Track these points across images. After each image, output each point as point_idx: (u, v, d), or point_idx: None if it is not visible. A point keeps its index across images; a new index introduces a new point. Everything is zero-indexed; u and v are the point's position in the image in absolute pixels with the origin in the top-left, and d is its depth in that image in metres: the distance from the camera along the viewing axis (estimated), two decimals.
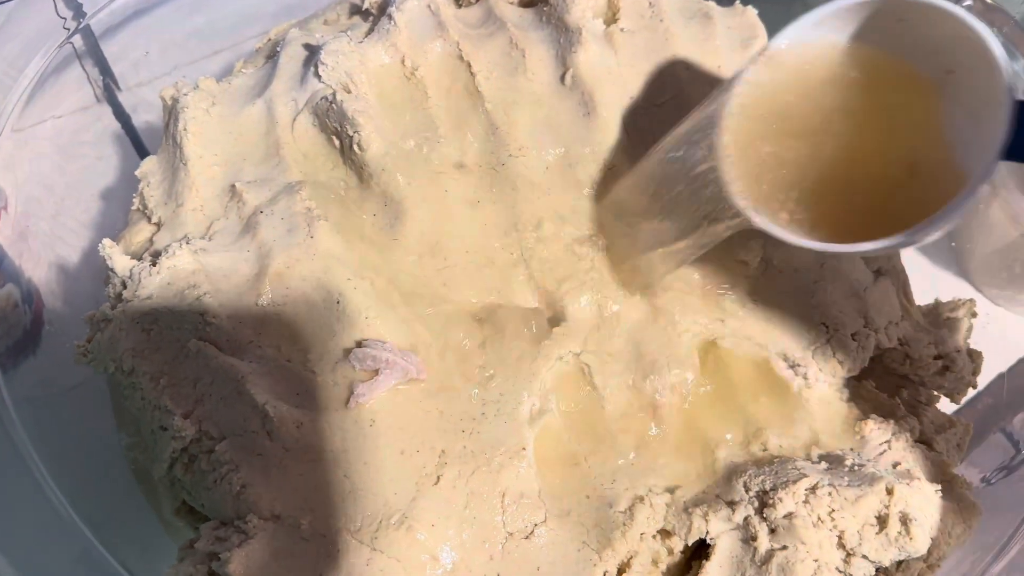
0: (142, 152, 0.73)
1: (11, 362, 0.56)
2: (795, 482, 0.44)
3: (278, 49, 0.58)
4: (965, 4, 0.65)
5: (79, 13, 0.66)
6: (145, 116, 0.74)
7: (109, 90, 0.74)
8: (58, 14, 0.65)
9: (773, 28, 0.63)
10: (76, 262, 0.65)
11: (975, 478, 0.54)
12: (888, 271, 0.53)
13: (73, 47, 0.68)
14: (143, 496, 0.51)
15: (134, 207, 0.56)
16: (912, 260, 0.64)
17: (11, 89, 0.64)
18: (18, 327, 0.58)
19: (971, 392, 0.54)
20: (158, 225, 0.53)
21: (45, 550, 0.44)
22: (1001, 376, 0.61)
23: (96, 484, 0.51)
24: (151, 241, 0.52)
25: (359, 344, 0.46)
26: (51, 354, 0.59)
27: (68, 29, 0.66)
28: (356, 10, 0.63)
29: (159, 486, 0.48)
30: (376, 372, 0.45)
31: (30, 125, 0.66)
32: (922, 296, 0.59)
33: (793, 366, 0.50)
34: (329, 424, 0.44)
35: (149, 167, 0.55)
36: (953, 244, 0.67)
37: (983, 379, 0.57)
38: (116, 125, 0.74)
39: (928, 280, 0.62)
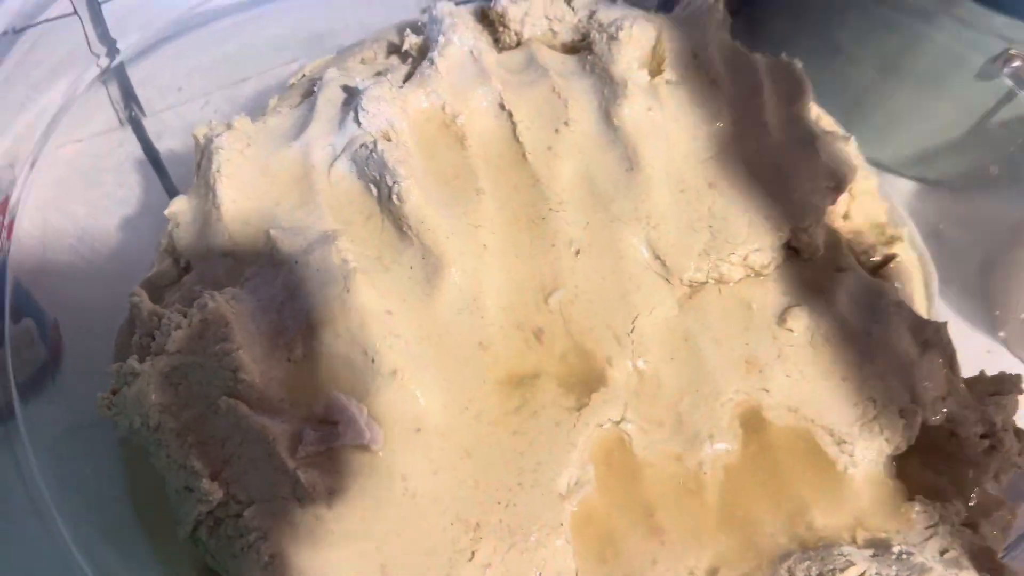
0: (165, 180, 0.71)
1: (28, 397, 0.54)
2: (843, 570, 0.42)
3: (315, 89, 0.57)
4: (1014, 65, 0.64)
5: (109, 42, 0.65)
6: (169, 143, 0.73)
7: (133, 116, 0.73)
8: (87, 42, 0.64)
9: (814, 79, 0.62)
10: (97, 295, 0.63)
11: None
12: (935, 343, 0.52)
13: (99, 70, 0.66)
14: (158, 555, 0.49)
15: (162, 247, 0.54)
16: (955, 328, 0.62)
17: (36, 113, 0.63)
18: (35, 362, 0.57)
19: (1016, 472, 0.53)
20: (187, 268, 0.51)
21: None
22: None
23: (109, 530, 0.50)
24: (180, 284, 0.51)
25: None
26: (68, 390, 0.57)
27: (96, 54, 0.65)
28: (394, 49, 0.62)
29: (179, 545, 0.46)
30: (335, 425, 0.44)
31: (53, 149, 0.64)
32: (966, 366, 0.57)
33: (839, 443, 0.48)
34: (362, 492, 0.43)
35: (179, 207, 0.53)
36: (997, 313, 0.65)
37: None
38: (139, 151, 0.72)
39: (972, 349, 0.60)
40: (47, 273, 0.61)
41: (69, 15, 0.63)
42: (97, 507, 0.52)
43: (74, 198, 0.67)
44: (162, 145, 0.73)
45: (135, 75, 0.70)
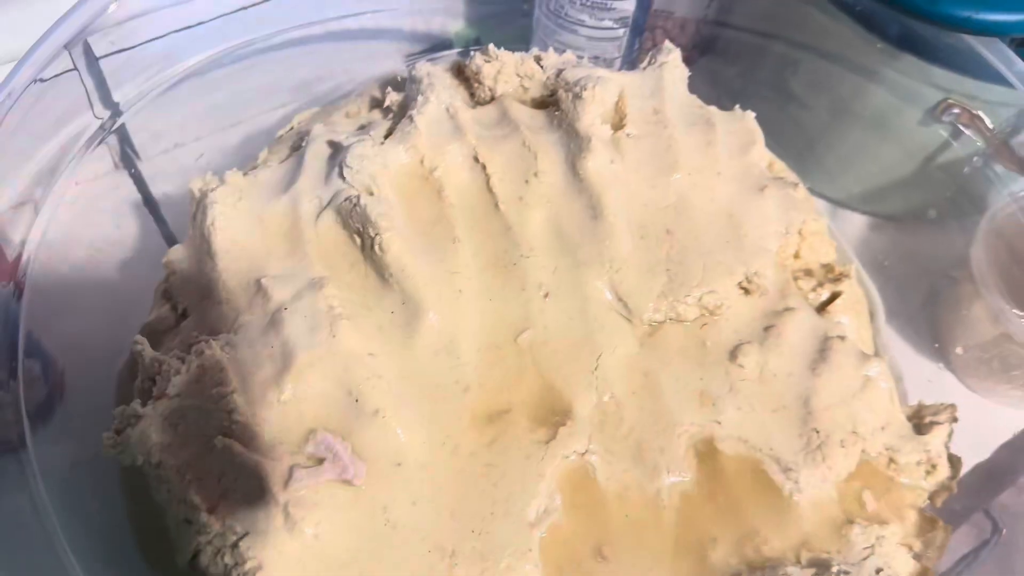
0: (160, 221, 0.75)
1: (33, 433, 0.57)
2: None
3: (303, 143, 0.61)
4: (952, 112, 0.69)
5: (116, 112, 0.69)
6: (163, 187, 0.77)
7: (128, 160, 0.77)
8: (95, 115, 0.68)
9: (768, 124, 0.67)
10: (96, 334, 0.67)
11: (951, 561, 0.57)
12: (876, 377, 0.56)
13: (94, 116, 0.70)
14: None
15: (160, 292, 0.58)
16: (900, 357, 0.67)
17: (36, 160, 0.66)
18: (37, 400, 0.60)
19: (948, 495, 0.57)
20: (184, 315, 0.55)
21: None
22: (978, 471, 0.63)
23: (114, 563, 0.53)
24: (177, 330, 0.55)
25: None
26: (69, 428, 0.61)
27: (99, 118, 0.69)
28: (376, 103, 0.67)
29: (179, 572, 0.50)
30: (321, 462, 0.48)
31: (51, 194, 0.68)
32: (910, 392, 0.62)
33: (785, 470, 0.53)
34: (347, 522, 0.46)
35: (176, 256, 0.57)
36: (936, 345, 0.70)
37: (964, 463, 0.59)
38: (135, 195, 0.76)
39: (915, 377, 0.65)
40: (48, 313, 0.64)
41: (69, 71, 0.67)
42: (101, 537, 0.55)
43: (73, 240, 0.71)
44: (156, 189, 0.77)
45: (130, 122, 0.74)
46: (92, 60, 0.68)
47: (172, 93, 0.75)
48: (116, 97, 0.70)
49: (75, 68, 0.67)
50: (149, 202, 0.77)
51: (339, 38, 0.83)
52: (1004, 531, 0.59)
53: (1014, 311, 0.66)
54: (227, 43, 0.73)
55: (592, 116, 0.60)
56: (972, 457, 0.60)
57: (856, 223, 0.80)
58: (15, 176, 0.65)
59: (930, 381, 0.68)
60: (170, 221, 0.75)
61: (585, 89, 0.60)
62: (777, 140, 0.70)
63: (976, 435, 0.61)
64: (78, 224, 0.72)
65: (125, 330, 0.63)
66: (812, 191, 0.70)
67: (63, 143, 0.68)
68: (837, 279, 0.64)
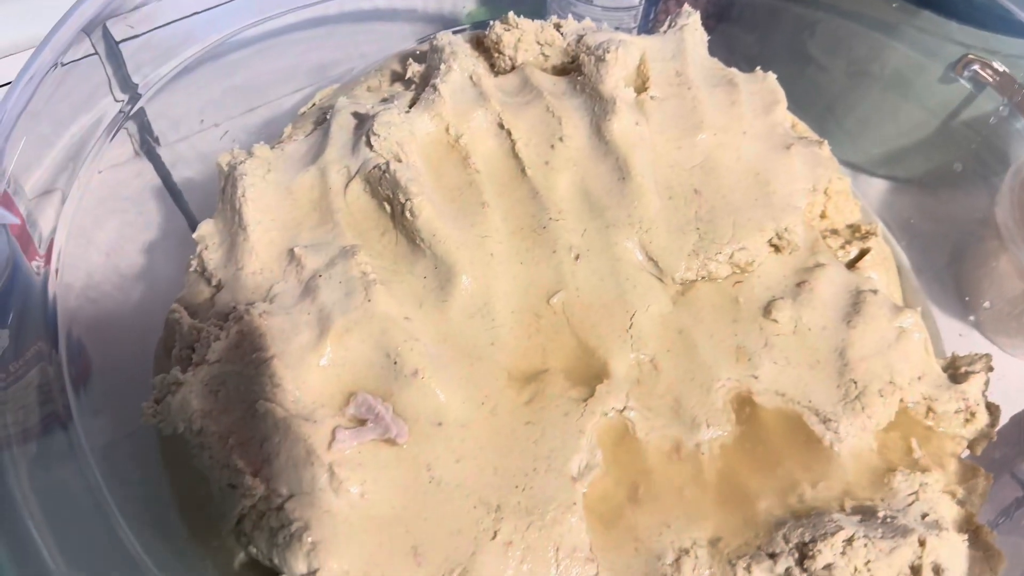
0: (183, 207, 0.75)
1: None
2: (832, 534, 0.46)
3: (327, 116, 0.61)
4: (971, 68, 0.69)
5: (127, 79, 0.69)
6: (185, 172, 0.77)
7: (149, 147, 0.77)
8: (114, 98, 0.68)
9: (787, 88, 0.67)
10: (123, 316, 0.67)
11: (989, 519, 0.56)
12: (910, 328, 0.56)
13: (115, 102, 0.70)
14: (203, 553, 0.52)
15: (192, 268, 0.58)
16: (925, 315, 0.67)
17: (60, 148, 0.66)
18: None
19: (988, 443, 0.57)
20: (218, 287, 0.55)
21: None
22: (1017, 419, 0.63)
23: (158, 533, 0.53)
24: (212, 302, 0.55)
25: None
26: (98, 408, 0.61)
27: (113, 91, 0.69)
28: (397, 77, 0.67)
29: (223, 540, 0.50)
30: (364, 423, 0.48)
31: (76, 181, 0.68)
32: (937, 349, 0.62)
33: (825, 421, 0.52)
34: (392, 481, 0.46)
35: (207, 230, 0.57)
36: (967, 299, 0.70)
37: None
38: (157, 180, 0.76)
39: (945, 333, 0.65)
40: (73, 295, 0.65)
41: (91, 55, 0.68)
42: (146, 509, 0.56)
43: (98, 225, 0.71)
44: (177, 174, 0.77)
45: (150, 109, 0.74)
46: (112, 44, 0.69)
47: (190, 77, 0.76)
48: (136, 80, 0.70)
49: (95, 52, 0.68)
50: (171, 187, 0.77)
51: (353, 19, 0.83)
52: None
53: None
54: (242, 24, 0.73)
55: (615, 78, 0.60)
56: (1007, 411, 0.60)
57: (877, 187, 0.80)
58: (41, 162, 0.65)
59: (961, 336, 0.68)
60: (192, 204, 0.76)
61: (608, 52, 0.60)
62: (796, 104, 0.70)
63: (1009, 397, 0.61)
64: (102, 211, 0.72)
65: (152, 310, 0.63)
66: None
67: (85, 128, 0.68)
68: (864, 237, 0.64)
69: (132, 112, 0.72)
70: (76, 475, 0.50)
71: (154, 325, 0.62)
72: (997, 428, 0.56)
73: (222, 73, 0.78)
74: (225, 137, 0.78)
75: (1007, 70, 0.68)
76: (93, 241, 0.70)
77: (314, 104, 0.68)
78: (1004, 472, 0.62)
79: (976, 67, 0.69)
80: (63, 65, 0.65)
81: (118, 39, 0.69)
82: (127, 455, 0.61)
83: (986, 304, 0.69)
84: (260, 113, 0.81)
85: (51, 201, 0.65)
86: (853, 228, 0.65)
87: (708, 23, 0.72)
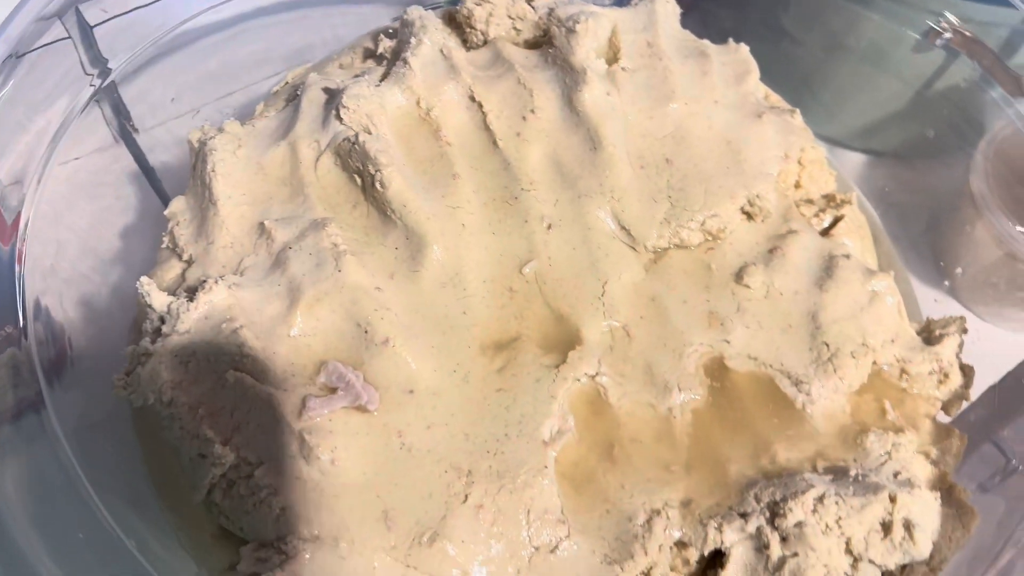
0: (160, 191, 0.75)
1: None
2: (803, 492, 0.46)
3: (298, 93, 0.61)
4: (945, 37, 0.69)
5: (101, 62, 0.69)
6: (162, 156, 0.77)
7: (126, 132, 0.77)
8: (81, 63, 0.68)
9: (762, 61, 0.67)
10: (101, 299, 0.67)
11: (971, 485, 0.56)
12: (883, 291, 0.56)
13: (92, 90, 0.70)
14: (175, 526, 0.52)
15: (164, 245, 0.58)
16: (901, 280, 0.67)
17: (35, 133, 0.66)
18: (45, 362, 0.60)
19: (964, 405, 0.57)
20: (189, 262, 0.55)
21: (102, 569, 0.46)
22: (992, 389, 0.63)
23: (136, 511, 0.53)
24: (183, 277, 0.55)
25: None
26: (78, 389, 0.61)
27: (90, 75, 0.69)
28: (370, 54, 0.67)
29: (195, 513, 0.50)
30: (335, 391, 0.48)
31: (53, 167, 0.68)
32: (913, 314, 0.62)
33: (797, 383, 0.53)
34: (363, 448, 0.46)
35: (178, 207, 0.57)
36: (941, 264, 0.70)
37: (975, 392, 0.59)
38: (134, 166, 0.76)
39: (920, 299, 0.65)
40: (52, 279, 0.65)
41: (64, 39, 0.68)
42: (121, 487, 0.55)
43: (76, 211, 0.71)
44: (155, 159, 0.77)
45: (126, 94, 0.74)
46: (85, 28, 0.68)
47: (166, 62, 0.76)
48: (111, 64, 0.70)
49: (68, 36, 0.68)
50: (148, 172, 0.77)
51: (328, 2, 0.83)
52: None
53: (1017, 228, 0.66)
54: (215, 4, 0.73)
55: (586, 50, 0.60)
56: (984, 378, 0.60)
57: (855, 161, 0.80)
58: (14, 148, 0.65)
59: (936, 302, 0.68)
60: (169, 190, 0.75)
61: (578, 23, 0.60)
62: (772, 79, 0.70)
63: (986, 364, 0.61)
64: (79, 196, 0.72)
65: (130, 293, 0.63)
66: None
67: (60, 113, 0.68)
68: (839, 205, 0.64)
69: (107, 97, 0.72)
70: (50, 456, 0.50)
71: (131, 307, 0.62)
72: (971, 388, 0.56)
73: (197, 58, 0.78)
74: (196, 121, 0.78)
75: (978, 37, 0.68)
76: (70, 226, 0.70)
77: (287, 83, 0.69)
78: (984, 441, 0.62)
79: (949, 35, 0.69)
80: (33, 51, 0.65)
81: (92, 23, 0.69)
82: (105, 435, 0.61)
83: (959, 271, 0.69)
84: (236, 98, 0.81)
85: (25, 187, 0.65)
86: (828, 198, 0.66)
87: (684, 1, 0.72)
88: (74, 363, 0.62)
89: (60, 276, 0.66)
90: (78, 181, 0.72)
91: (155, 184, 0.76)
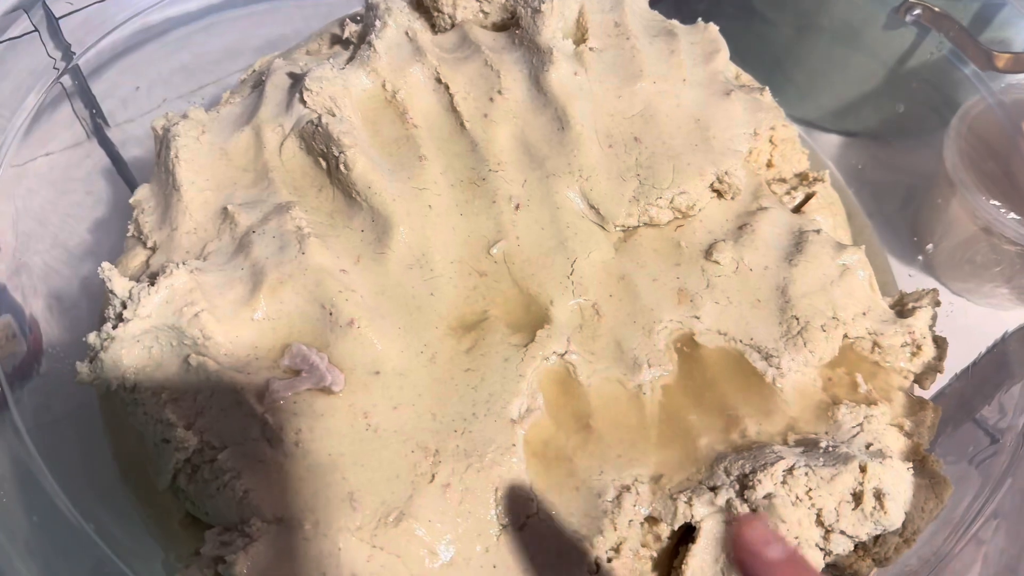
0: (132, 185, 0.75)
1: (12, 389, 0.57)
2: (773, 464, 0.46)
3: (263, 79, 0.61)
4: (915, 12, 0.69)
5: (68, 54, 0.68)
6: (134, 151, 0.77)
7: (98, 127, 0.76)
8: (48, 54, 0.67)
9: (734, 43, 0.67)
10: (72, 292, 0.67)
11: (963, 459, 0.56)
12: (854, 265, 0.56)
13: (62, 86, 0.70)
14: (144, 514, 0.52)
15: (129, 234, 0.58)
16: (877, 256, 0.67)
17: (4, 128, 0.66)
18: (16, 356, 0.60)
19: (940, 379, 0.57)
20: (153, 249, 0.55)
21: (65, 561, 0.46)
22: (968, 366, 0.63)
23: (101, 500, 0.53)
24: (147, 264, 0.54)
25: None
26: (50, 381, 0.60)
27: (57, 69, 0.69)
28: (337, 40, 0.66)
29: (163, 499, 0.49)
30: (299, 373, 0.47)
31: (23, 163, 0.68)
32: (887, 290, 0.62)
33: (767, 357, 0.52)
34: (327, 430, 0.46)
35: (143, 195, 0.57)
36: (915, 239, 0.70)
37: (952, 368, 0.59)
38: (106, 160, 0.76)
39: (894, 270, 0.65)
40: (24, 274, 0.64)
41: (30, 32, 0.67)
42: (86, 479, 0.55)
43: (46, 206, 0.71)
44: (127, 153, 0.76)
45: (97, 88, 0.74)
46: (52, 21, 0.68)
47: (136, 55, 0.75)
48: (77, 56, 0.69)
49: (35, 29, 0.67)
50: (120, 167, 0.76)
51: None
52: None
53: (992, 203, 0.65)
54: None
55: (552, 29, 0.60)
56: (960, 353, 0.60)
57: (830, 141, 0.79)
58: None
59: (911, 276, 0.68)
60: (141, 184, 0.75)
61: (543, 3, 0.59)
62: (744, 60, 0.70)
63: (963, 340, 0.61)
64: (49, 191, 0.72)
65: (99, 286, 0.62)
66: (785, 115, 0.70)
67: (28, 108, 0.67)
68: (811, 183, 0.64)
69: (76, 91, 0.72)
70: (10, 451, 0.50)
71: (101, 300, 0.62)
72: (947, 364, 0.56)
73: (168, 51, 0.78)
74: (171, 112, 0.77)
75: (947, 12, 0.67)
76: (41, 220, 0.69)
77: (253, 70, 0.68)
78: (964, 418, 0.62)
79: (919, 10, 0.69)
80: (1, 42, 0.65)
81: (58, 15, 0.69)
82: (75, 427, 0.60)
83: (929, 247, 0.69)
84: (208, 90, 0.81)
85: None
86: (800, 176, 0.65)
87: None
88: (44, 356, 0.62)
89: (29, 270, 0.65)
90: (48, 176, 0.72)
91: (127, 178, 0.76)
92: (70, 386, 0.56)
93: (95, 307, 0.64)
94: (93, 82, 0.74)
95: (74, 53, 0.69)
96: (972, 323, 0.68)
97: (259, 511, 0.43)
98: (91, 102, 0.75)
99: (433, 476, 0.46)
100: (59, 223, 0.71)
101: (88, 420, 0.60)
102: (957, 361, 0.61)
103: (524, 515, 0.46)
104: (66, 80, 0.70)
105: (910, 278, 0.68)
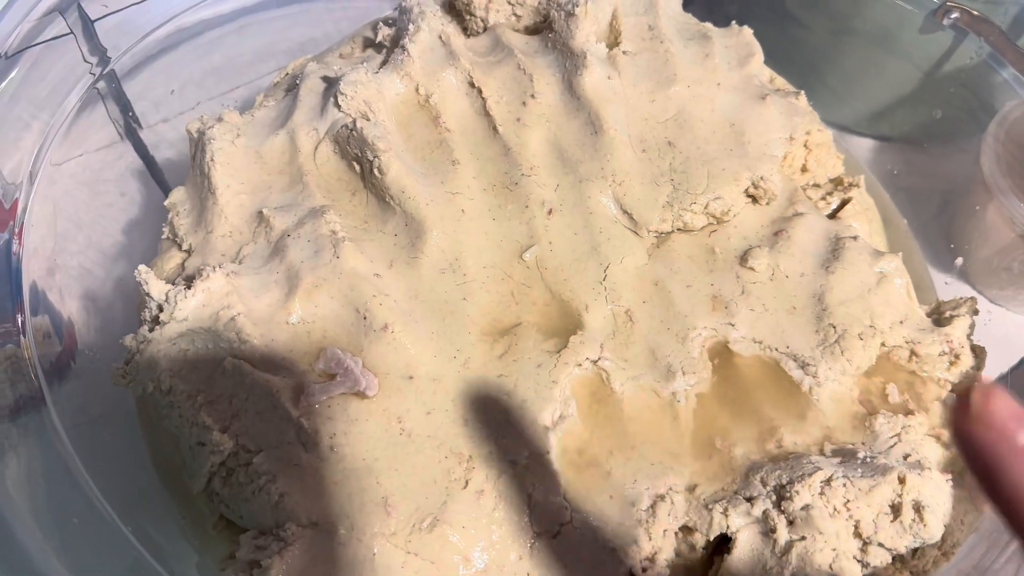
0: (164, 187, 0.75)
1: (50, 387, 0.58)
2: (810, 475, 0.45)
3: (297, 82, 0.61)
4: (952, 16, 0.68)
5: (103, 57, 0.69)
6: (166, 153, 0.77)
7: (131, 129, 0.77)
8: (84, 59, 0.68)
9: (768, 46, 0.66)
10: (106, 292, 0.67)
11: None
12: (891, 272, 0.55)
13: (97, 88, 0.71)
14: (180, 515, 0.52)
15: (164, 236, 0.58)
16: (916, 262, 0.66)
17: (40, 130, 0.67)
18: (51, 356, 0.60)
19: None
20: (188, 252, 0.55)
21: (101, 561, 0.46)
22: (1004, 376, 0.62)
23: (139, 501, 0.53)
24: (183, 267, 0.54)
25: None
26: (85, 382, 0.61)
27: (93, 74, 0.69)
28: (370, 43, 0.66)
29: (198, 502, 0.50)
30: (333, 377, 0.47)
31: (58, 164, 0.68)
32: (928, 297, 0.61)
33: (803, 366, 0.52)
34: (362, 434, 0.46)
35: (178, 197, 0.57)
36: (952, 246, 0.69)
37: (989, 377, 0.58)
38: (138, 162, 0.76)
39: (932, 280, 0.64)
40: (58, 274, 0.65)
41: (66, 35, 0.68)
42: (124, 480, 0.55)
43: (80, 207, 0.71)
44: (159, 155, 0.77)
45: (130, 90, 0.75)
46: (87, 23, 0.69)
47: (169, 57, 0.76)
48: (112, 59, 0.70)
49: (71, 32, 0.68)
50: (152, 168, 0.77)
51: None
52: None
53: None
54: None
55: (586, 33, 0.59)
56: (997, 363, 0.59)
57: (865, 145, 0.78)
58: (18, 144, 0.65)
59: (947, 284, 0.67)
60: (173, 185, 0.75)
61: (577, 6, 0.59)
62: (778, 63, 0.69)
63: (1000, 349, 0.60)
64: (83, 192, 0.72)
65: (132, 287, 0.63)
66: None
67: (64, 109, 0.68)
68: (847, 188, 0.63)
69: (110, 92, 0.73)
70: (50, 451, 0.50)
71: (134, 300, 0.62)
72: (983, 370, 0.55)
73: (201, 52, 0.78)
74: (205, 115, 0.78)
75: (987, 16, 0.66)
76: (75, 221, 0.70)
77: (287, 73, 0.68)
78: None
79: (956, 14, 0.68)
80: (35, 46, 0.66)
81: (93, 18, 0.69)
82: (110, 427, 0.61)
83: (959, 261, 0.68)
84: (240, 92, 0.81)
85: (29, 184, 0.65)
86: (835, 181, 0.65)
87: None
88: (78, 356, 0.63)
89: (63, 271, 0.66)
90: (81, 177, 0.72)
91: (159, 179, 0.76)
92: (105, 387, 0.56)
93: (129, 308, 0.65)
94: (127, 84, 0.74)
95: (110, 57, 0.70)
96: (1010, 332, 0.67)
97: (294, 515, 0.44)
98: (124, 104, 0.75)
99: (467, 482, 0.45)
100: (92, 224, 0.72)
101: (124, 421, 0.60)
102: (995, 370, 0.60)
103: (558, 523, 0.45)
104: (100, 82, 0.71)
105: (946, 286, 0.67)
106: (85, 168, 0.73)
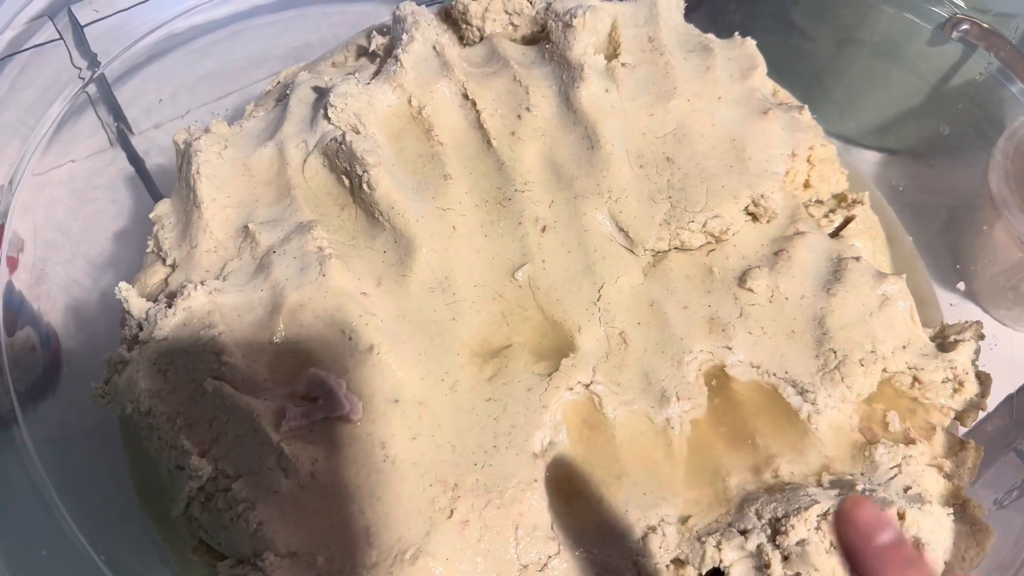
0: (155, 194, 0.74)
1: (30, 404, 0.56)
2: (807, 509, 0.44)
3: (288, 92, 0.59)
4: (962, 28, 0.66)
5: (93, 63, 0.68)
6: (157, 159, 0.76)
7: (122, 135, 0.76)
8: (73, 64, 0.67)
9: (772, 56, 0.64)
10: (92, 304, 0.66)
11: (988, 500, 0.54)
12: (894, 295, 0.53)
13: (87, 94, 0.69)
14: (159, 538, 0.51)
15: (149, 249, 0.57)
16: (922, 282, 0.64)
17: (28, 136, 0.65)
18: (36, 369, 0.59)
19: (981, 415, 0.54)
20: (173, 266, 0.54)
21: None
22: (1010, 397, 0.60)
23: (115, 525, 0.52)
24: (166, 282, 0.53)
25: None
26: (69, 396, 0.60)
27: (83, 79, 0.68)
28: (363, 52, 0.65)
29: (176, 526, 0.48)
30: (316, 400, 0.46)
31: (46, 170, 0.67)
32: (934, 317, 0.59)
33: (802, 392, 0.50)
34: (343, 460, 0.45)
35: (163, 210, 0.56)
36: (958, 266, 0.67)
37: (993, 400, 0.56)
38: (129, 168, 0.75)
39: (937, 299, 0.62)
40: (44, 285, 0.64)
41: (55, 40, 0.66)
42: (101, 501, 0.54)
43: (69, 215, 0.70)
44: (150, 161, 0.76)
45: (121, 96, 0.73)
46: (77, 28, 0.67)
47: (161, 63, 0.74)
48: (103, 64, 0.69)
49: (60, 37, 0.67)
50: (143, 175, 0.76)
51: (325, 1, 0.81)
52: None
53: None
54: (210, 3, 0.72)
55: (584, 45, 0.58)
56: (1003, 385, 0.57)
57: (869, 159, 0.77)
58: (5, 150, 0.64)
59: (952, 305, 0.65)
60: (164, 193, 0.74)
61: (575, 17, 0.58)
62: (782, 74, 0.68)
63: (1005, 370, 0.58)
64: (72, 199, 0.71)
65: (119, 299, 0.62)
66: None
67: (53, 115, 0.67)
68: (850, 205, 0.62)
69: (101, 98, 0.71)
70: (20, 471, 0.49)
71: (120, 315, 0.61)
72: (987, 397, 0.53)
73: (193, 59, 0.77)
74: (191, 124, 0.77)
75: (996, 29, 0.65)
76: (63, 229, 0.69)
77: (278, 82, 0.67)
78: (1003, 449, 0.59)
79: (966, 26, 0.66)
80: (23, 51, 0.64)
81: (83, 23, 0.68)
82: (92, 444, 0.60)
83: (960, 285, 0.67)
84: (233, 99, 0.80)
85: (15, 191, 0.64)
86: (839, 197, 0.63)
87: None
88: (62, 370, 0.61)
89: (52, 281, 0.65)
90: (72, 185, 0.71)
91: (150, 187, 0.75)
92: (88, 404, 0.55)
93: (114, 321, 0.63)
94: (117, 89, 0.73)
95: (100, 62, 0.69)
96: (1017, 353, 0.66)
97: (272, 544, 0.42)
98: (115, 110, 0.74)
99: (452, 512, 0.44)
100: (80, 233, 0.71)
101: (107, 438, 0.59)
102: (1001, 392, 0.58)
103: (546, 555, 0.44)
104: (90, 87, 0.70)
105: (951, 307, 0.65)
106: (74, 175, 0.72)
